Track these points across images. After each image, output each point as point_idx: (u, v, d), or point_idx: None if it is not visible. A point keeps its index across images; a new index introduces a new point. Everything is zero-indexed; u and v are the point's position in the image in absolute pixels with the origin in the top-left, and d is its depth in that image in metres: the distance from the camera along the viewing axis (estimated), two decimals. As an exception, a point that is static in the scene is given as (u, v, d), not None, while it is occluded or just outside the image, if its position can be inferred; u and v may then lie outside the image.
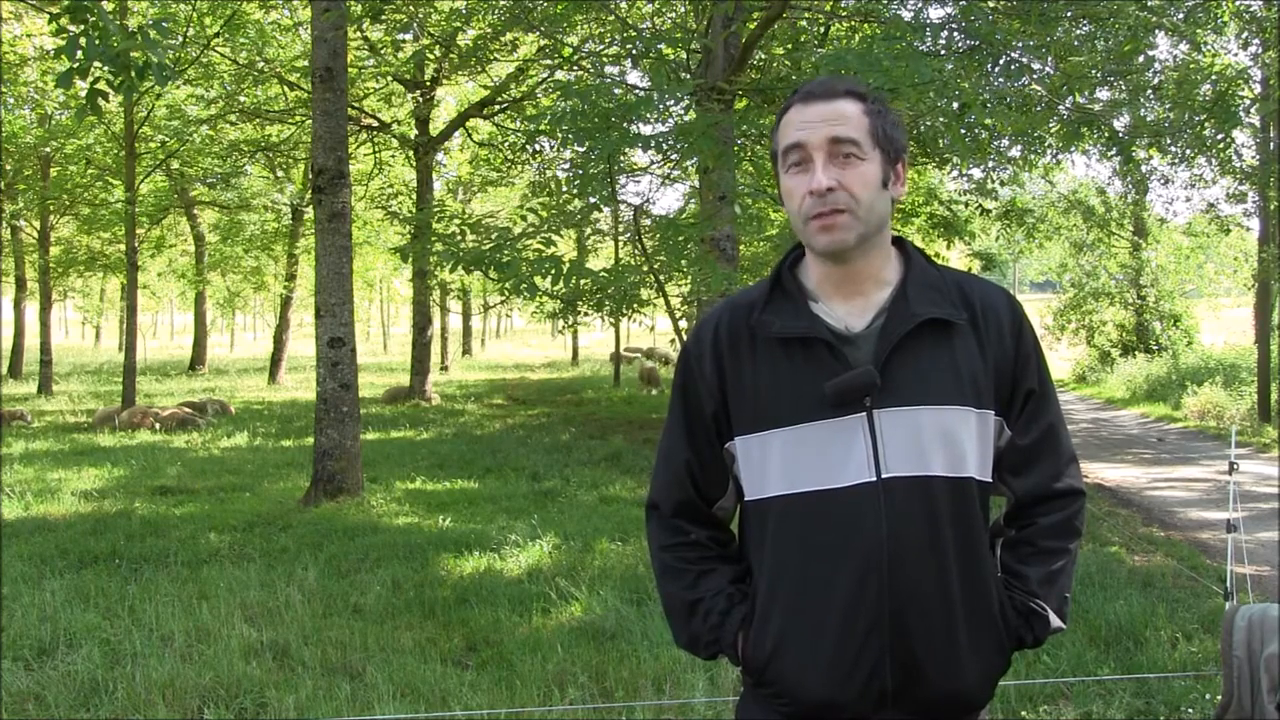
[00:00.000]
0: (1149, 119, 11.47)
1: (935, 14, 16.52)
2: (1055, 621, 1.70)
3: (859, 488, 1.60)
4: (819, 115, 1.62)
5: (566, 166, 16.46)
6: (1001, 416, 1.69)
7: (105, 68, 5.31)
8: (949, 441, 1.61)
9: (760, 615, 1.68)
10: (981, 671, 1.65)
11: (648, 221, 9.51)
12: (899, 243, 1.74)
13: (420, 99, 17.76)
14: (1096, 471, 11.19)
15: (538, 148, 17.28)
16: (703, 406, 1.73)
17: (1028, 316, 1.75)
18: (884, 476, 1.60)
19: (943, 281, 1.70)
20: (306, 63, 13.93)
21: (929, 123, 9.32)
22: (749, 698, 1.75)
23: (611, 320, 18.19)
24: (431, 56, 16.43)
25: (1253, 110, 14.18)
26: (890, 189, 1.67)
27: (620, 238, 19.12)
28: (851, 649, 1.59)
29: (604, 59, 11.55)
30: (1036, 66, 9.04)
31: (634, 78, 22.77)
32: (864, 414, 1.61)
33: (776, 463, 1.65)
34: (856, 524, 1.59)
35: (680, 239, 7.98)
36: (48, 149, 19.37)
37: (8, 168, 19.75)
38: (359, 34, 15.30)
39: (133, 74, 5.30)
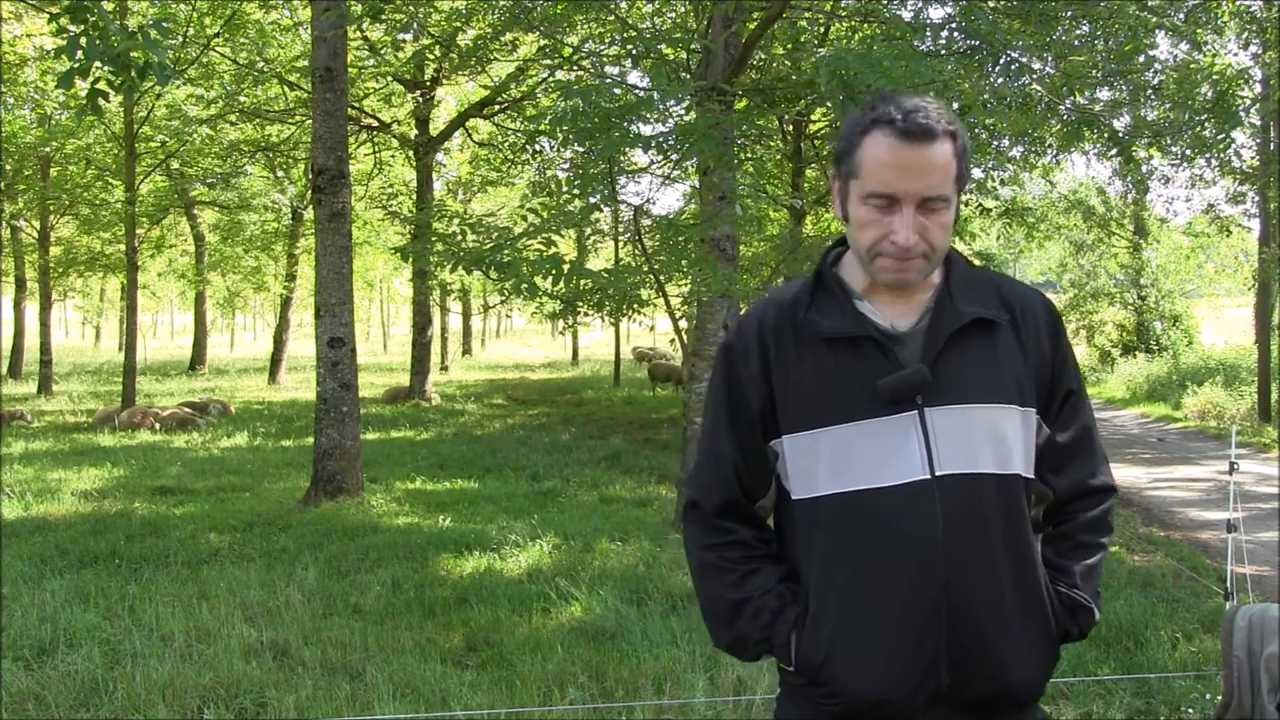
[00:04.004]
0: (1149, 119, 11.46)
1: (935, 14, 16.54)
2: (1097, 613, 1.74)
3: (913, 486, 1.60)
4: (917, 164, 1.58)
5: (566, 166, 16.46)
6: (1040, 415, 1.71)
7: (105, 68, 5.31)
8: (998, 439, 1.63)
9: (813, 615, 1.67)
10: (1034, 666, 1.66)
11: (648, 221, 9.50)
12: None
13: (420, 99, 17.75)
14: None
15: (538, 148, 17.27)
16: (749, 404, 1.71)
17: (1062, 318, 1.78)
18: (938, 474, 1.60)
19: (983, 283, 1.72)
20: (306, 63, 13.93)
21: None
22: (791, 697, 1.73)
23: (611, 320, 18.18)
24: (431, 56, 16.43)
25: (1253, 110, 14.18)
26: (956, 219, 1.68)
27: (620, 238, 19.11)
28: (908, 647, 1.60)
29: (604, 59, 11.54)
30: (1036, 66, 9.03)
31: (634, 78, 22.76)
32: (915, 412, 1.61)
33: (826, 461, 1.64)
34: (911, 522, 1.59)
35: (680, 239, 7.97)
36: (48, 149, 19.36)
37: (8, 168, 19.74)
38: (359, 34, 15.29)
39: (133, 74, 5.30)
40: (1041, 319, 1.72)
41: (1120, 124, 10.89)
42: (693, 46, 8.49)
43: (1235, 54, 15.48)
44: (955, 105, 8.02)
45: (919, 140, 1.58)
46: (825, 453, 1.64)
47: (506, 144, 19.06)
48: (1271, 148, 15.39)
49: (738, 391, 1.73)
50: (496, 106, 17.74)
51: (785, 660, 1.71)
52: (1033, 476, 1.69)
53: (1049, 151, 13.28)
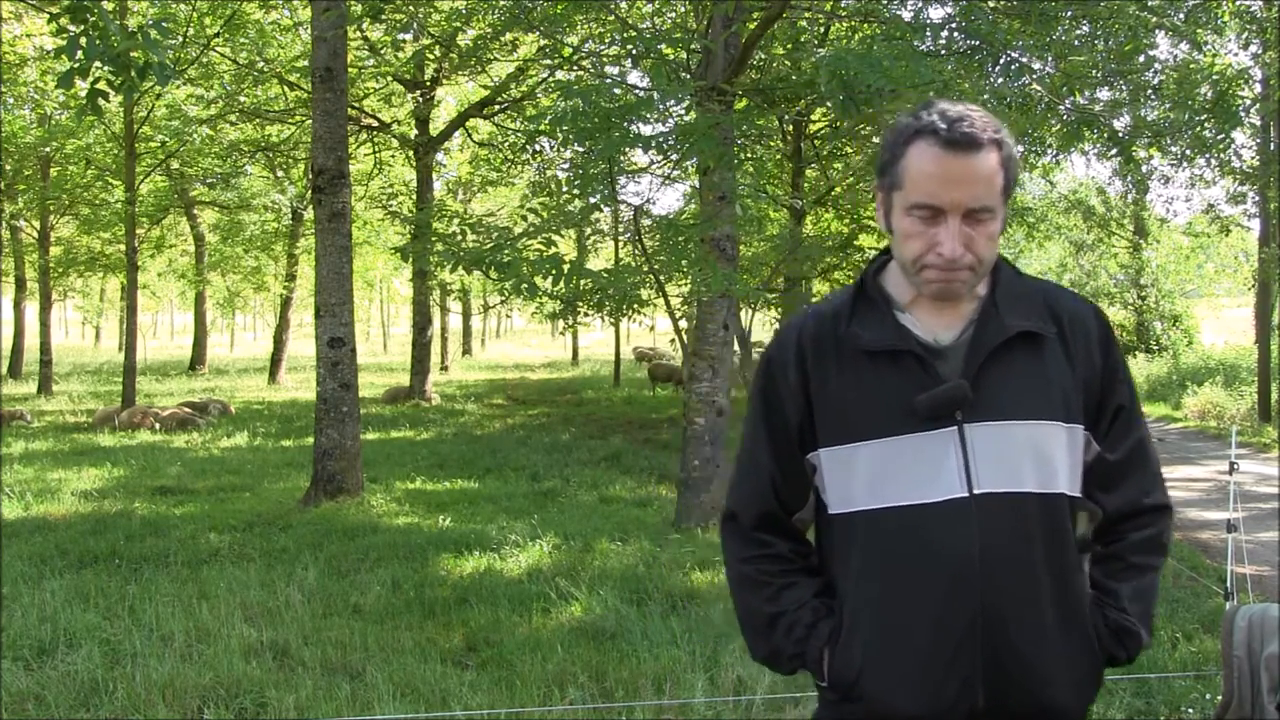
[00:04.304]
0: (1149, 119, 11.46)
1: (935, 14, 16.55)
2: (1146, 638, 1.68)
3: (950, 503, 1.57)
4: (962, 174, 1.54)
5: (566, 166, 16.47)
6: (1089, 431, 1.66)
7: (105, 68, 5.30)
8: (1040, 457, 1.59)
9: (847, 630, 1.66)
10: (1074, 687, 1.62)
11: (648, 221, 9.51)
12: None
13: (420, 99, 17.76)
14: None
15: (538, 148, 17.28)
16: (787, 416, 1.70)
17: (1114, 330, 1.73)
18: (976, 492, 1.57)
19: (1031, 293, 1.67)
20: (306, 63, 13.93)
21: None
22: (828, 712, 1.72)
23: (611, 320, 18.19)
24: (431, 56, 16.43)
25: (1253, 110, 14.18)
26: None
27: (620, 238, 19.13)
28: (942, 665, 1.57)
29: (604, 59, 11.54)
30: (1036, 66, 9.03)
31: (634, 78, 22.75)
32: (955, 428, 1.58)
33: (863, 476, 1.62)
34: (948, 540, 1.57)
35: (680, 239, 7.98)
36: (48, 149, 19.37)
37: (8, 168, 19.74)
38: (359, 34, 15.29)
39: (133, 74, 5.30)
40: (1093, 331, 1.68)
41: (1120, 124, 10.89)
42: (693, 46, 8.49)
43: (1235, 54, 15.49)
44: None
45: (964, 149, 1.54)
46: (862, 467, 1.62)
47: (506, 144, 19.07)
48: (1271, 148, 15.39)
49: (776, 404, 1.71)
50: (496, 106, 17.74)
51: (819, 676, 1.70)
52: (1079, 495, 1.65)
53: (1049, 151, 13.29)
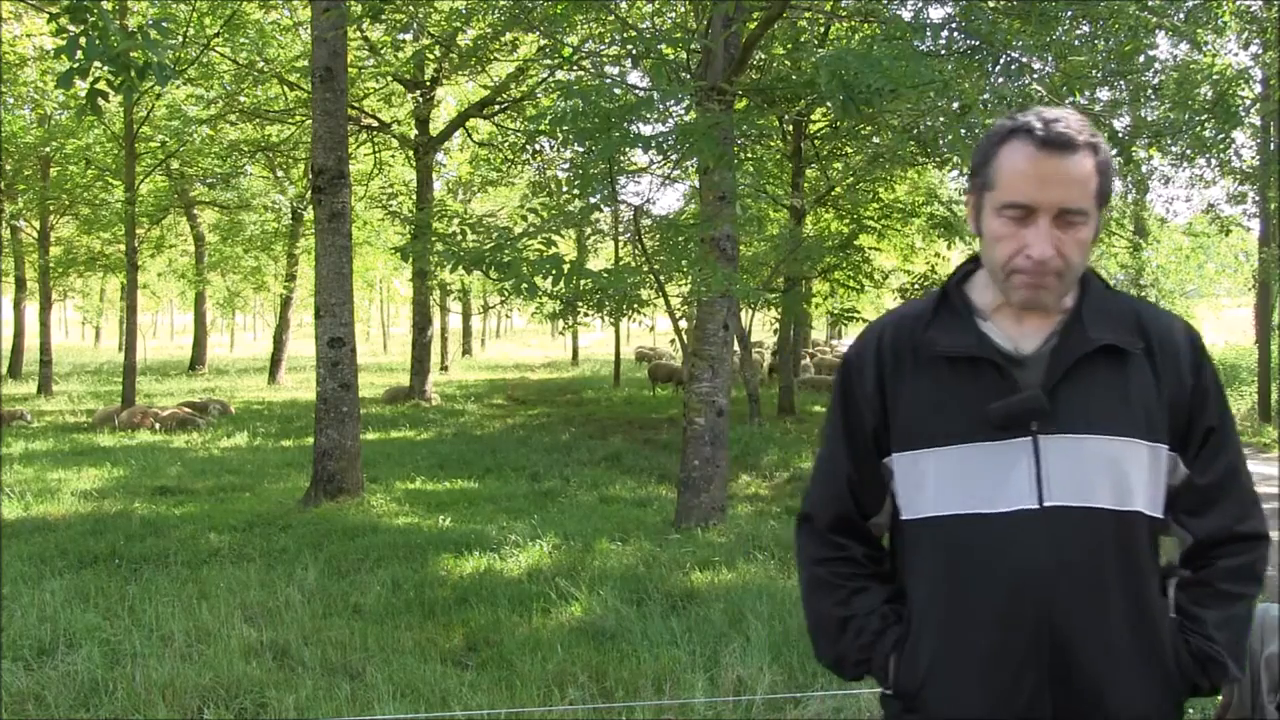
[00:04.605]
0: (1149, 119, 11.46)
1: (935, 14, 16.55)
2: (1233, 669, 1.62)
3: (1019, 514, 1.55)
4: (1055, 174, 1.53)
5: (566, 166, 16.48)
6: (1176, 452, 1.62)
7: (105, 68, 5.30)
8: (1116, 473, 1.56)
9: (913, 639, 1.65)
10: (1144, 711, 1.58)
11: (648, 221, 9.51)
12: None
13: (420, 99, 17.76)
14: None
15: (538, 148, 17.30)
16: (863, 420, 1.69)
17: (1208, 350, 1.69)
18: (1046, 505, 1.54)
19: (1120, 308, 1.64)
20: (306, 63, 13.93)
21: (929, 123, 9.32)
22: None
23: (611, 320, 18.18)
24: (431, 56, 16.43)
25: (1253, 110, 14.18)
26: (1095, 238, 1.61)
27: (620, 238, 19.13)
28: (1005, 679, 1.55)
29: (604, 59, 11.54)
30: (1036, 66, 9.04)
31: (634, 78, 22.76)
32: (1029, 439, 1.56)
33: (933, 483, 1.61)
34: (1015, 551, 1.54)
35: (680, 239, 7.98)
36: (48, 149, 19.36)
37: (8, 168, 19.74)
38: (359, 34, 15.30)
39: (133, 74, 5.29)
40: (1183, 350, 1.63)
41: (1120, 124, 10.90)
42: (693, 46, 8.49)
43: (1235, 54, 15.50)
44: (955, 105, 8.03)
45: (1058, 150, 1.52)
46: (932, 473, 1.61)
47: (506, 144, 19.07)
48: (1271, 148, 15.40)
49: (853, 408, 1.71)
50: (496, 106, 17.74)
51: (883, 682, 1.69)
52: (1160, 516, 1.61)
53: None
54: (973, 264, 1.71)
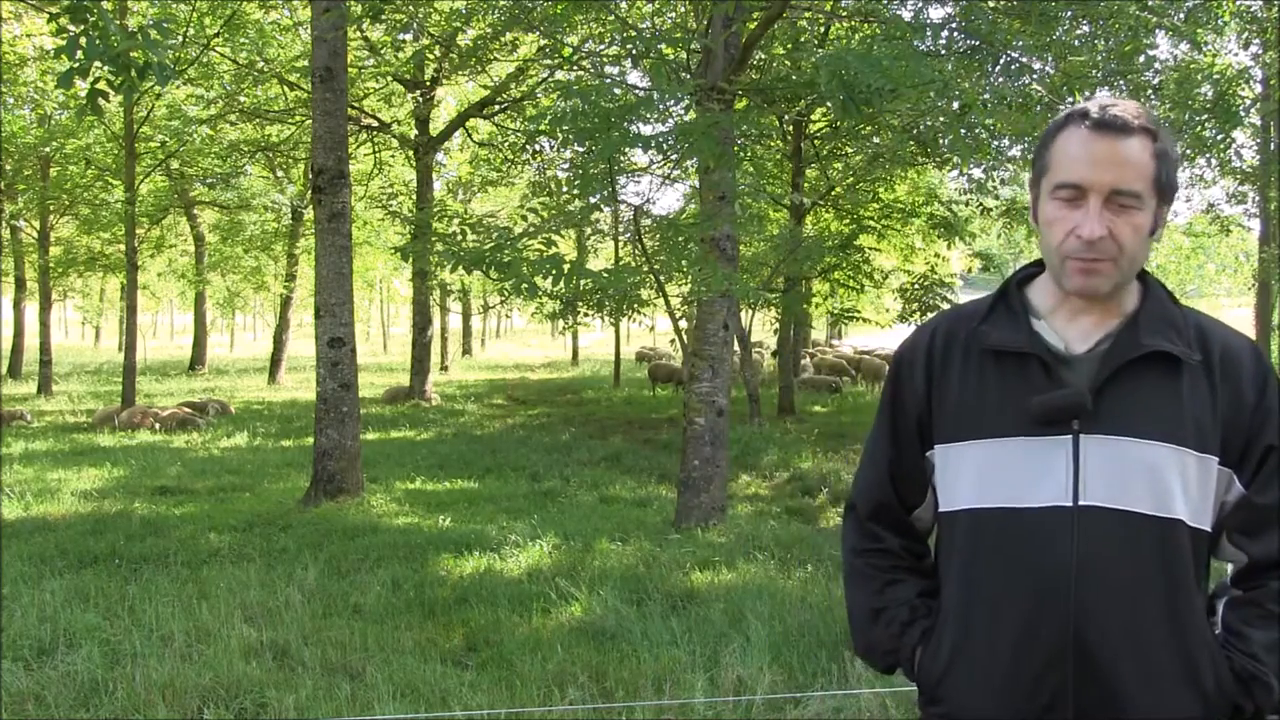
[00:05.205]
0: (1149, 119, 11.46)
1: (935, 14, 16.55)
2: (1277, 690, 1.56)
3: (1052, 511, 1.54)
4: (1108, 155, 1.52)
5: (566, 166, 16.48)
6: (1232, 469, 1.58)
7: (105, 68, 5.30)
8: (1156, 479, 1.53)
9: (938, 631, 1.66)
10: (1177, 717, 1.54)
11: (648, 221, 9.51)
12: (1140, 274, 1.65)
13: (420, 99, 17.76)
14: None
15: (538, 148, 17.30)
16: (908, 410, 1.71)
17: (1274, 371, 1.65)
18: (1080, 503, 1.53)
19: (1182, 319, 1.62)
20: (306, 63, 13.93)
21: (929, 123, 9.33)
22: (920, 715, 1.71)
23: (611, 320, 18.19)
24: (431, 56, 16.44)
25: (1253, 110, 14.19)
26: (1154, 234, 1.59)
27: (620, 238, 19.13)
28: (1027, 676, 1.54)
29: (604, 59, 11.55)
30: (1036, 66, 9.04)
31: (634, 78, 22.78)
32: (1070, 436, 1.55)
33: (970, 475, 1.61)
34: (1044, 547, 1.53)
35: (680, 239, 7.98)
36: (48, 149, 19.36)
37: (8, 168, 19.74)
38: (359, 34, 15.30)
39: (133, 74, 5.29)
40: (1246, 367, 1.60)
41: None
42: (693, 46, 8.49)
43: (1235, 54, 15.50)
44: (955, 105, 8.04)
45: (1111, 132, 1.52)
46: (971, 466, 1.61)
47: (506, 144, 19.07)
48: (1271, 148, 15.40)
49: (900, 399, 1.72)
50: (496, 106, 17.74)
51: (909, 675, 1.70)
52: (1205, 529, 1.57)
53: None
54: (1036, 267, 1.71)
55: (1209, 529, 1.58)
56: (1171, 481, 1.53)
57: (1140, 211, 1.54)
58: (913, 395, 1.70)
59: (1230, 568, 1.65)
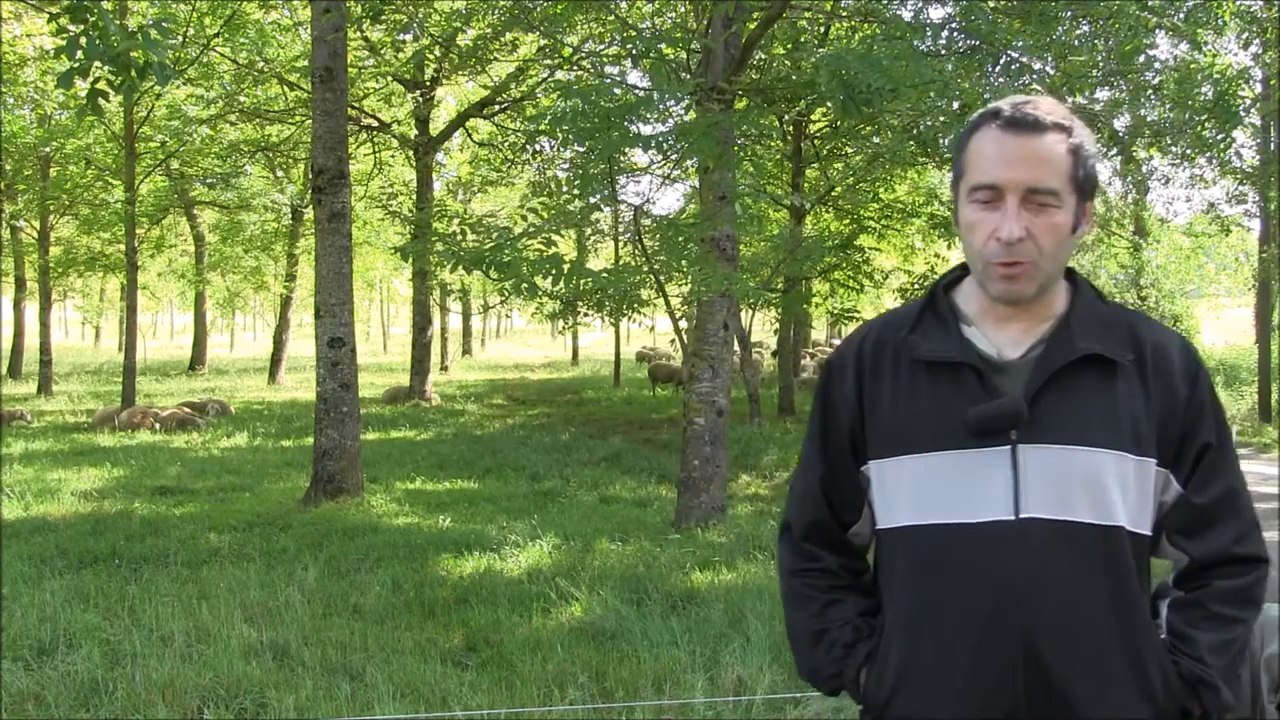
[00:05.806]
0: (1149, 119, 11.46)
1: (935, 14, 16.54)
2: (1226, 694, 1.55)
3: (994, 525, 1.50)
4: (1021, 154, 1.49)
5: (566, 166, 16.46)
6: (1168, 469, 1.56)
7: (105, 68, 5.30)
8: (1097, 486, 1.50)
9: (883, 651, 1.61)
10: None
11: (648, 221, 9.50)
12: (1068, 274, 1.63)
13: (420, 99, 17.76)
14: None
15: (538, 148, 17.29)
16: (840, 422, 1.66)
17: (1205, 365, 1.62)
18: (1022, 516, 1.50)
19: (1113, 318, 1.60)
20: (306, 63, 13.92)
21: (929, 123, 9.32)
22: None
23: (611, 320, 18.19)
24: (431, 56, 16.43)
25: (1253, 110, 14.18)
26: (1077, 232, 1.55)
27: (620, 238, 19.12)
28: (980, 695, 1.50)
29: (604, 59, 11.55)
30: (1036, 66, 9.04)
31: (634, 78, 22.78)
32: (1008, 448, 1.51)
33: (908, 491, 1.57)
34: (988, 563, 1.50)
35: (680, 239, 7.97)
36: (48, 149, 19.37)
37: (8, 168, 19.74)
38: (359, 34, 15.30)
39: (133, 74, 5.29)
40: (1176, 363, 1.57)
41: (1120, 124, 10.89)
42: (693, 46, 8.49)
43: (1235, 54, 15.49)
44: (955, 105, 8.03)
45: (1024, 130, 1.50)
46: (909, 482, 1.57)
47: (506, 144, 19.07)
48: (1271, 148, 15.41)
49: (831, 410, 1.68)
50: (496, 106, 17.74)
51: (855, 697, 1.66)
52: (1145, 533, 1.55)
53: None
54: (963, 270, 1.68)
55: (1149, 532, 1.57)
56: (1111, 487, 1.51)
57: (1059, 210, 1.51)
58: (844, 405, 1.65)
59: (1172, 568, 1.64)
